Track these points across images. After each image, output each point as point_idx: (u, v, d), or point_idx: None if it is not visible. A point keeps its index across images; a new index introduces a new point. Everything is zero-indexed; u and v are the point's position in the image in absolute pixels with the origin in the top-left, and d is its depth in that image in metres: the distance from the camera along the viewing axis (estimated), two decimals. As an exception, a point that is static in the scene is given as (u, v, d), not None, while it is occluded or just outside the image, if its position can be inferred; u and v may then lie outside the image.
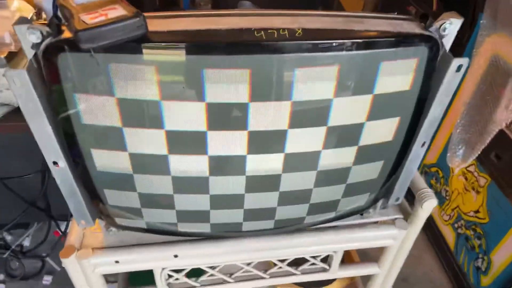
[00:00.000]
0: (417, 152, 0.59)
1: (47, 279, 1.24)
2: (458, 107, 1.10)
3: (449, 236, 1.31)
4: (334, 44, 0.43)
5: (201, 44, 0.42)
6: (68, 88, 0.45)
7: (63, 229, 1.15)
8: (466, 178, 1.20)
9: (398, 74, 0.48)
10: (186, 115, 0.46)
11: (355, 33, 0.44)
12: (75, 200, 0.58)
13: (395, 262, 0.79)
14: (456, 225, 1.27)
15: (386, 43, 0.45)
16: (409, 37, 0.45)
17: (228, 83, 0.43)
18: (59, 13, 0.43)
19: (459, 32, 0.49)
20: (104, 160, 0.52)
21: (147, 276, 0.73)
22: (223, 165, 0.53)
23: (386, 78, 0.47)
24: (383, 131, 0.54)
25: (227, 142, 0.49)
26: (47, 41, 0.41)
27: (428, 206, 0.68)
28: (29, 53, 0.43)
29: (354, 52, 0.44)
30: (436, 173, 1.33)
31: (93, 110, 0.46)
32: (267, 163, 0.53)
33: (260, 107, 0.46)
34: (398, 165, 0.61)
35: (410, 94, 0.50)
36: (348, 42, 0.43)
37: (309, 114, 0.48)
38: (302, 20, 0.44)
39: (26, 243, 1.35)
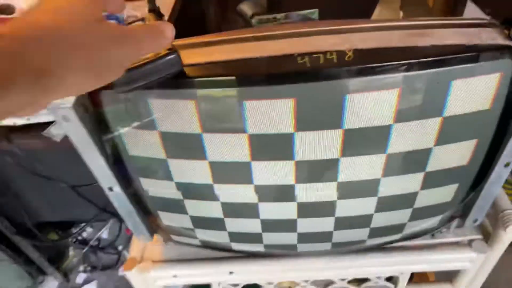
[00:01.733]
0: (499, 174, 0.50)
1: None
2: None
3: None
4: (392, 66, 0.37)
5: (240, 77, 0.38)
6: (113, 122, 0.45)
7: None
8: None
9: (475, 93, 0.40)
10: (228, 147, 0.44)
11: (420, 51, 0.37)
12: (133, 219, 0.59)
13: (473, 283, 0.71)
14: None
15: (459, 60, 0.37)
16: (489, 50, 0.37)
17: (271, 113, 0.40)
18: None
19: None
20: (154, 187, 0.52)
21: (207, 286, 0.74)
22: (271, 193, 0.50)
23: (459, 98, 0.40)
24: (457, 155, 0.46)
25: (273, 172, 0.46)
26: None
27: (513, 230, 0.58)
28: (76, 91, 0.43)
29: (418, 72, 0.37)
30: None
31: (138, 143, 0.46)
32: (318, 191, 0.49)
33: (306, 137, 0.42)
34: (477, 185, 0.53)
35: (491, 113, 0.42)
36: (410, 63, 0.36)
37: (364, 142, 0.43)
38: (354, 38, 0.39)
39: (105, 235, 1.47)
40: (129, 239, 1.35)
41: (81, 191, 0.94)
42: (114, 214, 1.00)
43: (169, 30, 0.30)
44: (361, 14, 1.65)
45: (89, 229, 1.44)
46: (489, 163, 0.49)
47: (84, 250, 1.14)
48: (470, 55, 0.37)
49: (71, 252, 1.35)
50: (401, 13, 2.65)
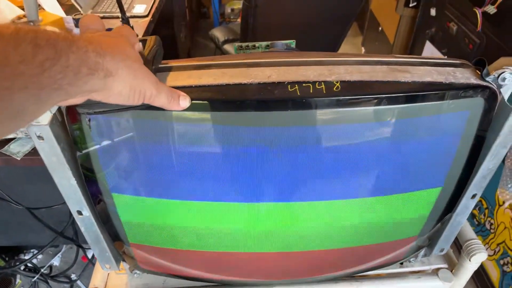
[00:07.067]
0: (466, 205, 0.53)
1: (74, 302, 1.25)
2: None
3: (494, 272, 1.21)
4: (376, 99, 0.38)
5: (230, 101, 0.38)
6: (89, 137, 0.43)
7: (90, 256, 1.15)
8: (514, 211, 1.10)
9: (447, 127, 0.42)
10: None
11: (401, 86, 0.39)
12: (100, 246, 0.56)
13: (437, 312, 0.73)
14: (501, 262, 1.17)
15: (437, 97, 0.40)
16: (464, 88, 0.40)
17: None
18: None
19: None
20: (128, 206, 0.50)
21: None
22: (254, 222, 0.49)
23: (433, 131, 0.42)
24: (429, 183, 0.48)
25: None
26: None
27: (477, 259, 0.61)
28: (52, 107, 0.41)
29: (399, 106, 0.39)
30: (480, 203, 1.24)
31: (115, 159, 0.44)
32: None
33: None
34: (444, 216, 0.55)
35: (460, 148, 0.45)
36: (395, 96, 0.38)
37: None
38: (340, 70, 0.40)
39: (56, 262, 1.36)
40: (84, 268, 1.27)
41: (37, 214, 0.87)
42: (72, 240, 0.93)
43: (186, 103, 0.37)
44: (328, 50, 1.73)
45: (39, 256, 1.34)
46: (458, 195, 0.52)
47: (35, 279, 1.05)
48: (446, 93, 0.40)
49: (18, 280, 1.24)
50: (363, 49, 2.79)
